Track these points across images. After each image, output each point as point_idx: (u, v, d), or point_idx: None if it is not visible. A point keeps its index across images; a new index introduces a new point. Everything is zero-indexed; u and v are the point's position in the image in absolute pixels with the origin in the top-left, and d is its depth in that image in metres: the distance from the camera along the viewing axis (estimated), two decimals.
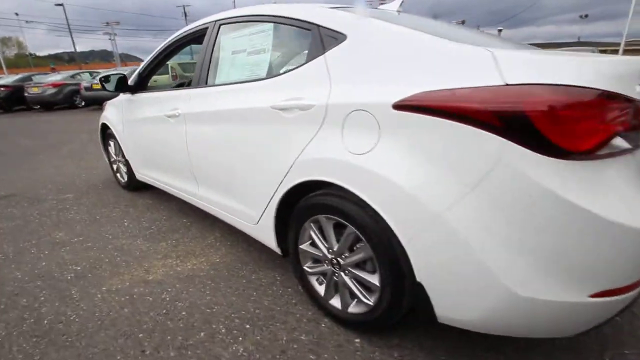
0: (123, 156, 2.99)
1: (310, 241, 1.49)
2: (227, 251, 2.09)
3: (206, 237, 2.28)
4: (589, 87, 0.81)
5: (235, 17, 1.76)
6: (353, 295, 1.38)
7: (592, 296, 0.90)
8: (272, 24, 1.55)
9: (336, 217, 1.28)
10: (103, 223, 2.55)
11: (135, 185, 3.13)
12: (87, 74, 13.08)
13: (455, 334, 1.32)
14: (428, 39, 1.08)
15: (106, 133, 3.20)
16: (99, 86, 11.53)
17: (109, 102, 3.10)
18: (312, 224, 1.41)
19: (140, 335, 1.42)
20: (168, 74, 10.55)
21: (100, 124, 3.21)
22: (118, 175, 3.31)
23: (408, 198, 1.03)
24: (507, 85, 0.87)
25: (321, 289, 1.50)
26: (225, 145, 1.70)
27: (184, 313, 1.55)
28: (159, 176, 2.54)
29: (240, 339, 1.38)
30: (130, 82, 2.56)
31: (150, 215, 2.67)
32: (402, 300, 1.19)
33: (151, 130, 2.37)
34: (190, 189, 2.17)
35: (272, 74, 1.51)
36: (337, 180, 1.20)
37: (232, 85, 1.68)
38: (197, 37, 2.07)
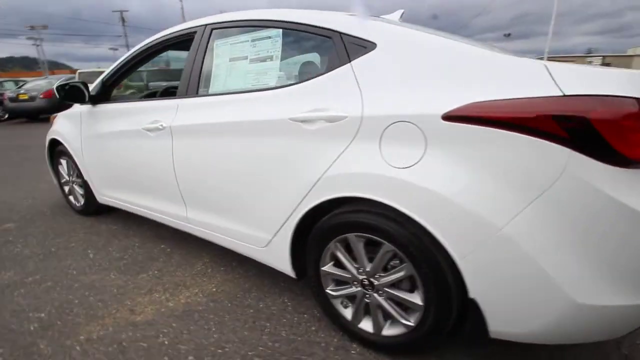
0: (79, 176, 2.61)
1: (333, 262, 1.38)
2: (223, 278, 1.88)
3: (194, 264, 2.04)
4: None
5: (232, 21, 1.61)
6: (387, 317, 1.29)
7: None
8: (280, 30, 1.43)
9: (370, 235, 1.19)
10: (62, 256, 2.17)
11: (95, 209, 2.74)
12: (12, 83, 11.51)
13: (495, 350, 1.29)
14: (469, 48, 1.06)
15: (56, 150, 2.77)
16: (26, 96, 10.16)
17: (60, 114, 2.69)
18: (337, 244, 1.31)
19: None
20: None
21: (48, 140, 2.77)
22: (71, 198, 2.87)
23: (462, 212, 0.98)
24: (566, 96, 0.87)
25: (347, 313, 1.39)
26: (226, 161, 1.53)
27: (191, 358, 1.33)
28: (129, 198, 2.24)
29: None
30: (91, 91, 2.24)
31: (119, 243, 2.33)
32: (449, 317, 1.13)
33: (122, 145, 2.08)
34: (174, 211, 1.93)
35: (284, 82, 1.39)
36: (376, 195, 1.12)
37: (235, 94, 1.52)
38: (180, 42, 1.87)
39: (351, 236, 1.25)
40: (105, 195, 2.46)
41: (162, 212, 2.03)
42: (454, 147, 0.99)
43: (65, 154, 2.64)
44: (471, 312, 1.08)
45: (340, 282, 1.40)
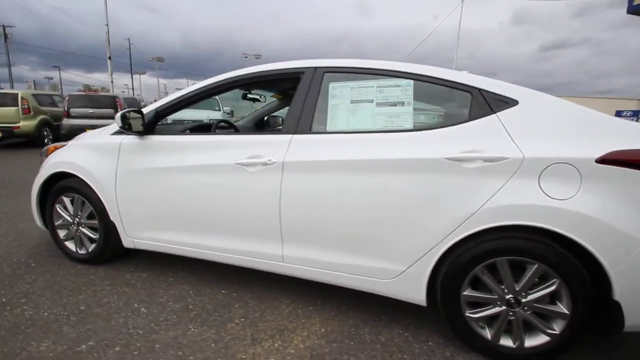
0: (94, 217, 2.21)
1: (470, 286, 1.53)
2: (321, 317, 1.82)
3: (277, 307, 1.91)
4: None
5: (350, 67, 1.74)
6: (528, 330, 1.48)
7: None
8: (411, 81, 1.64)
9: (523, 258, 1.40)
10: (103, 315, 1.78)
11: (110, 256, 2.32)
12: None
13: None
14: (589, 110, 1.44)
15: (56, 187, 2.30)
16: None
17: (79, 144, 2.28)
18: (484, 268, 1.48)
19: None
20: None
21: (48, 173, 2.28)
22: (70, 243, 2.37)
23: (614, 231, 1.29)
24: None
25: (486, 333, 1.54)
26: (359, 197, 1.59)
27: None
28: (191, 239, 1.99)
29: None
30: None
31: (166, 293, 2.02)
32: (588, 321, 1.39)
33: (193, 181, 1.90)
34: (264, 249, 1.83)
35: (422, 126, 1.58)
36: (538, 222, 1.35)
37: (364, 134, 1.63)
38: (276, 79, 1.90)
39: (501, 260, 1.44)
40: (141, 238, 2.13)
41: (240, 251, 1.89)
42: (604, 182, 1.31)
43: (75, 190, 2.22)
44: (613, 312, 1.36)
45: (477, 304, 1.55)
